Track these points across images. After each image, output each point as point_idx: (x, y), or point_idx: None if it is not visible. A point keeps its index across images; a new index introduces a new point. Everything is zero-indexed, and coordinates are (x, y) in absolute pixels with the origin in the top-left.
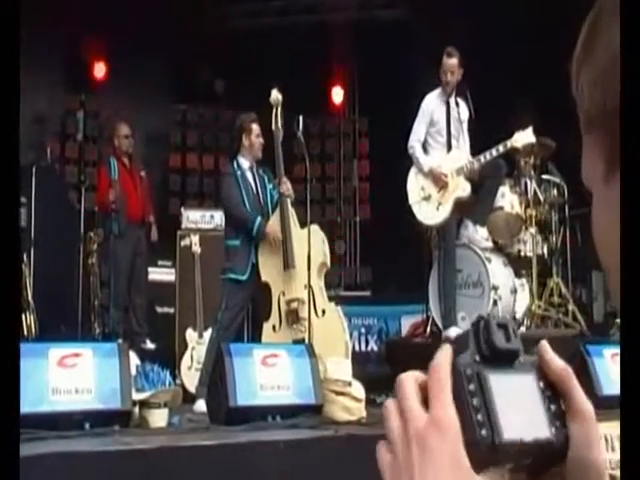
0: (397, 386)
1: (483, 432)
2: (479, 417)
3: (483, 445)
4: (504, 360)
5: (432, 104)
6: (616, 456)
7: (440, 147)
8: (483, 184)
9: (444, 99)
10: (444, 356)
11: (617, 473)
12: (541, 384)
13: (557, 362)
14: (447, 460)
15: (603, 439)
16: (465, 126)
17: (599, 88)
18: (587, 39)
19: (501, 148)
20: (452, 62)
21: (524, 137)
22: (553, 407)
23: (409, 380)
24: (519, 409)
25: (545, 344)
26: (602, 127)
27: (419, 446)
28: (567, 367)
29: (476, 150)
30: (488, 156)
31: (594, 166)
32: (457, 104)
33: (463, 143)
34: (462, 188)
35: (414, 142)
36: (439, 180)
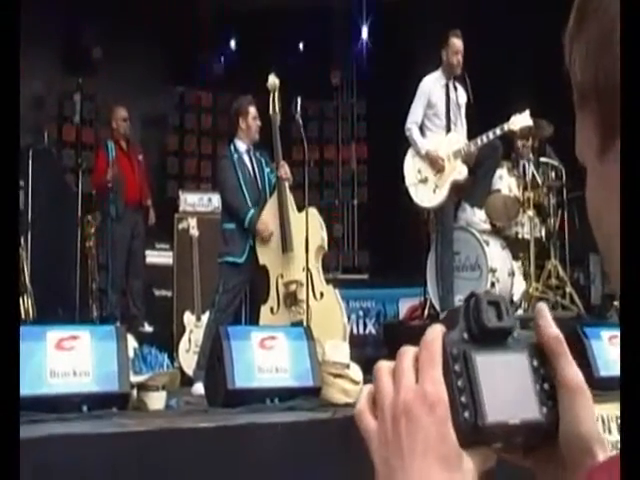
0: (397, 356)
1: (466, 414)
2: (462, 399)
3: (466, 427)
4: (495, 338)
5: (430, 86)
6: (613, 437)
7: (437, 129)
8: (480, 166)
9: (443, 82)
10: (435, 333)
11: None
12: (534, 362)
13: (551, 329)
14: (434, 434)
15: (599, 420)
16: (463, 110)
17: (591, 62)
18: (579, 12)
19: (498, 131)
20: (460, 43)
21: (521, 120)
22: (546, 386)
23: (408, 354)
24: (507, 390)
25: (544, 308)
26: (595, 101)
27: (407, 418)
28: (560, 335)
29: (473, 134)
30: (485, 139)
31: (588, 141)
32: (455, 88)
33: (461, 127)
34: (459, 171)
35: (411, 124)
36: (436, 163)
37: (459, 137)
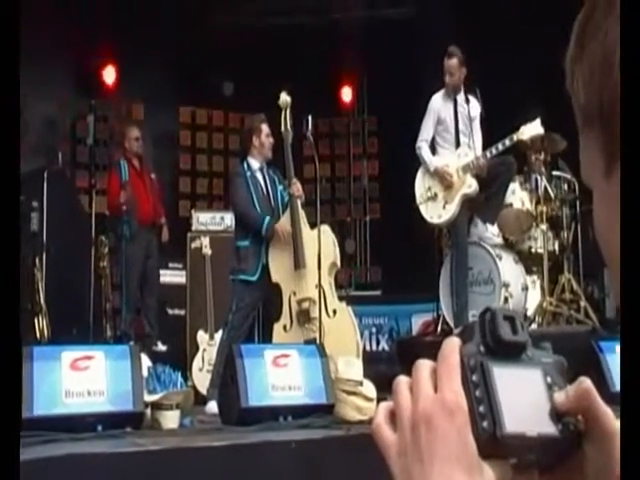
0: (414, 370)
1: (485, 424)
2: (481, 409)
3: (484, 437)
4: (510, 353)
5: (438, 103)
6: None
7: (448, 145)
8: (494, 182)
9: (450, 97)
10: (452, 345)
11: None
12: (548, 379)
13: (584, 383)
14: (454, 440)
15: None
16: (477, 123)
17: (595, 84)
18: (580, 35)
19: (507, 142)
20: (451, 63)
21: (531, 129)
22: (559, 404)
23: (425, 366)
24: (523, 403)
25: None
26: (600, 123)
27: (427, 426)
28: (589, 382)
29: (484, 147)
30: (494, 150)
31: (593, 163)
32: (467, 101)
33: (474, 140)
34: (468, 185)
35: (421, 142)
36: (444, 179)
37: (468, 150)
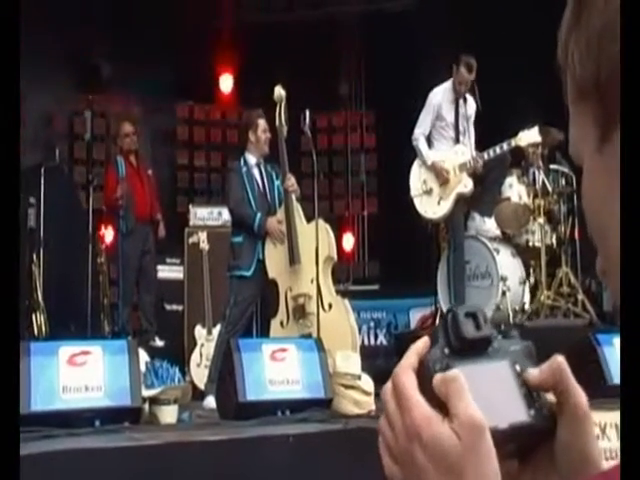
0: (394, 382)
1: None
2: None
3: None
4: (475, 349)
5: (438, 98)
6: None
7: (445, 141)
8: (488, 176)
9: (453, 97)
10: (402, 370)
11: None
12: (517, 367)
13: (556, 358)
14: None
15: (613, 428)
16: (472, 121)
17: (592, 54)
18: (578, 3)
19: (505, 146)
20: (468, 76)
21: (529, 136)
22: (531, 389)
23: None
24: (492, 397)
25: (562, 361)
26: (596, 94)
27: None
28: (562, 359)
29: (482, 143)
30: (492, 153)
31: (586, 135)
32: (465, 99)
33: (468, 138)
34: (464, 184)
35: (418, 134)
36: (441, 175)
37: (465, 150)
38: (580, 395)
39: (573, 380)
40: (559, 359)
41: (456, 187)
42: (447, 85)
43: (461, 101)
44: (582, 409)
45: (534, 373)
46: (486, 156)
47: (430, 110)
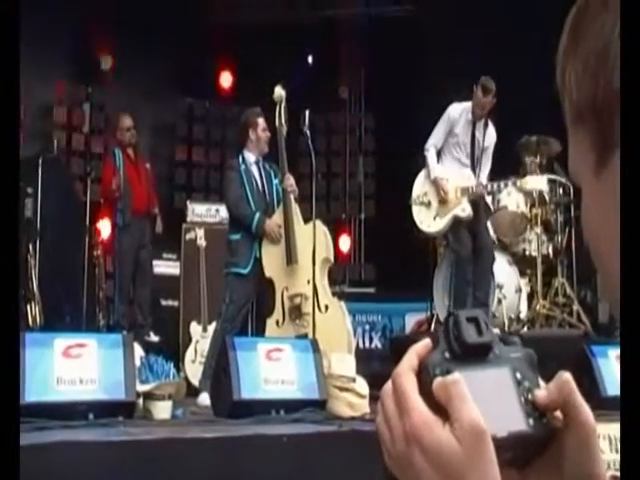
0: (394, 384)
1: None
2: None
3: None
4: (476, 354)
5: (457, 114)
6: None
7: (453, 160)
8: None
9: (471, 118)
10: (402, 371)
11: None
12: (518, 375)
13: (563, 374)
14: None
15: (607, 440)
16: (489, 152)
17: (589, 78)
18: (574, 27)
19: (510, 184)
20: (487, 100)
21: (535, 182)
22: (531, 398)
23: (408, 380)
24: (491, 404)
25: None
26: (593, 118)
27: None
28: (568, 376)
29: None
30: (496, 186)
31: (584, 159)
32: (486, 125)
33: (481, 168)
34: (462, 208)
35: (430, 145)
36: (439, 193)
37: (472, 175)
38: (587, 412)
39: (580, 397)
40: (565, 376)
41: (454, 209)
42: (467, 105)
43: (479, 124)
44: (590, 426)
45: (542, 394)
46: (490, 187)
47: (445, 121)
